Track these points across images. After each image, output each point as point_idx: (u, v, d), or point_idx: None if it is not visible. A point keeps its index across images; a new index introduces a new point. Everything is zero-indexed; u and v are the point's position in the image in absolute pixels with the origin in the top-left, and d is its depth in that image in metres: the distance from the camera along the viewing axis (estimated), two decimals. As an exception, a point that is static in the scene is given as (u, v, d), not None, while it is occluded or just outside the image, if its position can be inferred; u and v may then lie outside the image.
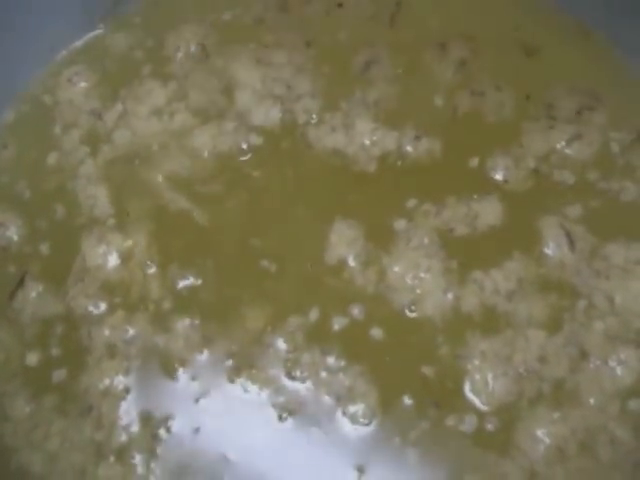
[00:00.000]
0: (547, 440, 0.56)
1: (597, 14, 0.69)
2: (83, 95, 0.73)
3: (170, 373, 0.61)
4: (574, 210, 0.63)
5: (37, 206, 0.69)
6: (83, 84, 0.73)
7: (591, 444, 0.56)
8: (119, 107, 0.72)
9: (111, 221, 0.66)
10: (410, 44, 0.71)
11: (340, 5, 0.74)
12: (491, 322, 0.60)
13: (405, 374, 0.59)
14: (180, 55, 0.73)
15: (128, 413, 0.60)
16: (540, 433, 0.57)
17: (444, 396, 0.58)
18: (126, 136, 0.70)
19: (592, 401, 0.57)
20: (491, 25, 0.71)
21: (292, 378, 0.60)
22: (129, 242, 0.65)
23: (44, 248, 0.67)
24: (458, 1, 0.73)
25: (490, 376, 0.58)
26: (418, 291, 0.62)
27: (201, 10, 0.75)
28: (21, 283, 0.65)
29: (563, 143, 0.66)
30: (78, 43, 0.76)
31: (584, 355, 0.59)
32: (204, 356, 0.61)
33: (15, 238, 0.67)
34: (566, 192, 0.64)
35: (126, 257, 0.65)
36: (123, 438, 0.59)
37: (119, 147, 0.70)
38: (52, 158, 0.70)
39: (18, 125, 0.73)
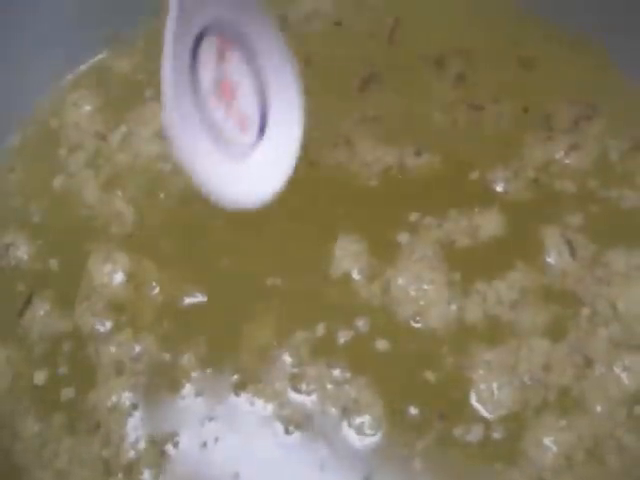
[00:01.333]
0: (554, 448, 0.56)
1: (594, 26, 0.69)
2: (88, 118, 0.74)
3: (177, 389, 0.61)
4: (575, 219, 0.64)
5: (45, 226, 0.70)
6: (88, 107, 0.75)
7: (598, 451, 0.56)
8: (123, 129, 0.73)
9: (117, 240, 0.67)
10: (408, 60, 0.72)
11: (338, 23, 0.75)
12: (495, 332, 0.60)
13: (410, 385, 0.59)
14: (182, 77, 0.75)
15: (136, 429, 0.60)
16: (547, 441, 0.56)
17: (450, 406, 0.58)
18: (130, 157, 0.72)
19: (598, 408, 0.57)
20: (488, 39, 0.72)
21: (298, 391, 0.60)
22: (135, 260, 0.66)
23: (52, 267, 0.68)
24: (455, 16, 0.74)
25: (495, 385, 0.58)
26: (422, 303, 0.62)
27: (202, 32, 0.76)
28: (29, 302, 0.65)
29: (562, 153, 0.66)
30: (83, 67, 0.77)
31: (589, 362, 0.59)
32: (210, 372, 0.62)
33: (25, 257, 0.68)
34: (566, 201, 0.65)
35: (132, 275, 0.66)
36: (131, 454, 0.60)
37: (124, 168, 0.71)
38: (58, 180, 0.72)
39: (24, 148, 0.74)
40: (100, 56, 0.78)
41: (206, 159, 0.53)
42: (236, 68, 0.55)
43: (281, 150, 0.57)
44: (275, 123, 0.57)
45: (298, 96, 0.58)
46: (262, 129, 0.56)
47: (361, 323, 0.62)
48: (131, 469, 0.59)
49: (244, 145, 0.55)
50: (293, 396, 0.60)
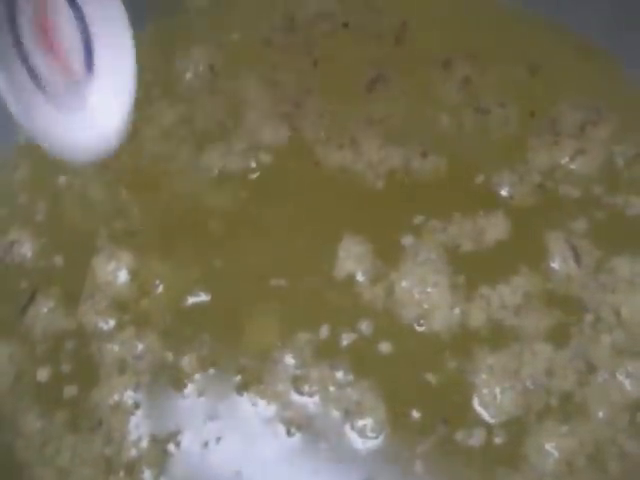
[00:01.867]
0: (556, 454, 0.56)
1: (600, 30, 0.69)
2: (94, 116, 0.74)
3: (179, 388, 0.61)
4: (579, 224, 0.64)
5: (49, 224, 0.70)
6: (93, 105, 0.75)
7: (600, 457, 0.56)
8: (129, 128, 0.73)
9: (121, 238, 0.67)
10: (415, 63, 0.72)
11: (346, 25, 0.75)
12: (498, 336, 0.60)
13: (413, 388, 0.59)
14: (189, 76, 0.75)
15: (138, 428, 0.60)
16: (549, 446, 0.57)
17: (452, 410, 0.58)
18: (136, 156, 0.71)
19: (600, 414, 0.57)
20: (495, 42, 0.72)
21: (300, 393, 0.60)
22: (139, 259, 0.66)
23: (56, 265, 0.68)
24: (462, 20, 0.74)
25: (498, 390, 0.58)
26: (425, 306, 0.62)
27: (209, 32, 0.76)
28: (32, 299, 0.66)
29: (567, 158, 0.66)
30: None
31: (592, 368, 0.59)
32: (213, 371, 0.62)
33: (28, 255, 0.69)
34: (571, 207, 0.65)
35: (136, 274, 0.66)
36: (133, 453, 0.60)
37: (129, 167, 0.71)
38: (63, 178, 0.71)
39: (29, 146, 0.74)
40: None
41: (40, 112, 0.51)
42: (54, 7, 0.52)
43: (113, 98, 0.55)
44: (104, 67, 0.54)
45: (127, 40, 0.56)
46: (90, 70, 0.54)
47: (364, 325, 0.62)
48: (133, 467, 0.59)
49: (75, 94, 0.53)
50: (295, 398, 0.60)
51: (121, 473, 0.59)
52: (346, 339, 0.61)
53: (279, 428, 0.59)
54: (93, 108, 0.54)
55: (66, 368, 0.63)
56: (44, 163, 0.73)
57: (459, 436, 0.57)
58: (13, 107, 0.50)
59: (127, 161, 0.71)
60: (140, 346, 0.63)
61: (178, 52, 0.76)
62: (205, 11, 0.79)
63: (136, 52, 0.76)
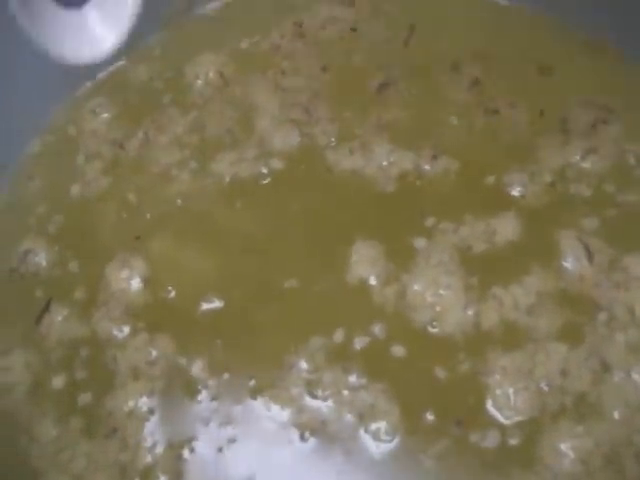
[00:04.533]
0: (571, 454, 0.56)
1: (610, 29, 0.69)
2: (106, 125, 0.75)
3: (193, 394, 0.61)
4: (591, 223, 0.63)
5: (63, 233, 0.70)
6: (106, 115, 0.76)
7: (616, 458, 0.56)
8: (141, 136, 0.74)
9: (134, 246, 0.68)
10: (424, 65, 0.72)
11: (354, 29, 0.76)
12: (512, 337, 0.60)
13: (427, 391, 0.59)
14: (199, 84, 0.75)
15: (152, 434, 0.61)
16: (564, 447, 0.56)
17: (466, 411, 0.58)
18: (148, 164, 0.72)
19: (616, 414, 0.57)
20: (503, 43, 0.72)
21: (314, 397, 0.60)
22: (151, 266, 0.67)
23: (70, 273, 0.68)
24: (470, 22, 0.74)
25: (511, 391, 0.58)
26: (438, 308, 0.62)
27: (219, 39, 0.77)
28: (47, 308, 0.66)
29: (578, 157, 0.66)
30: (101, 75, 0.78)
31: (606, 368, 0.58)
32: (226, 376, 0.62)
33: (43, 264, 0.69)
34: (583, 205, 0.64)
35: (149, 281, 0.66)
36: (148, 459, 0.60)
37: (141, 175, 0.72)
38: (76, 188, 0.72)
39: (43, 156, 0.75)
40: (118, 64, 0.78)
41: (40, 6, 0.50)
42: None
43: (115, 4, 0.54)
44: None
45: None
46: None
47: (377, 329, 0.62)
48: (148, 474, 0.59)
49: None
50: (309, 402, 0.60)
51: None
52: (359, 343, 0.61)
53: (293, 432, 0.59)
54: (94, 8, 0.54)
55: (81, 375, 0.63)
56: (58, 173, 0.74)
57: (473, 438, 0.57)
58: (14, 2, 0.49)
59: (139, 169, 0.72)
60: (154, 352, 0.63)
61: (188, 60, 0.76)
62: (215, 18, 0.80)
63: (149, 59, 0.78)
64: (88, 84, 0.78)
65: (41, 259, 0.69)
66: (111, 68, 0.78)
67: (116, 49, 0.54)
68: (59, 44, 0.51)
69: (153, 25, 0.77)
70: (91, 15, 0.54)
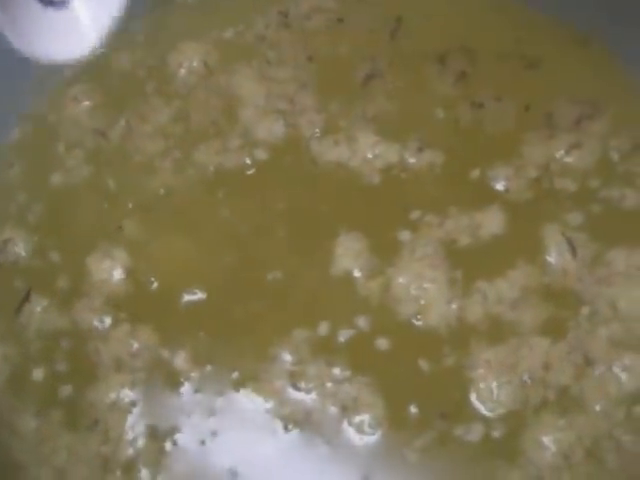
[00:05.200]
0: (553, 447, 0.56)
1: (597, 24, 0.69)
2: (87, 113, 0.74)
3: (175, 386, 0.61)
4: (575, 218, 0.64)
5: (43, 222, 0.69)
6: (87, 102, 0.74)
7: (597, 450, 0.56)
8: (123, 125, 0.73)
9: (116, 236, 0.67)
10: (410, 57, 0.72)
11: (340, 20, 0.75)
12: (495, 331, 0.60)
13: (411, 384, 0.59)
14: (183, 72, 0.74)
15: (134, 427, 0.60)
16: (546, 440, 0.56)
17: (450, 405, 0.58)
18: (130, 154, 0.71)
19: (597, 407, 0.57)
20: (490, 37, 0.72)
21: (298, 389, 0.60)
22: (133, 256, 0.66)
23: (50, 263, 0.67)
24: (457, 15, 0.74)
25: (495, 384, 0.58)
26: (422, 302, 0.62)
27: (203, 28, 0.76)
28: (27, 298, 0.65)
29: (563, 152, 0.66)
30: (82, 62, 0.77)
31: (589, 362, 0.59)
32: (209, 368, 0.61)
33: (23, 253, 0.68)
34: (567, 200, 0.65)
35: (131, 271, 0.65)
36: (130, 452, 0.59)
37: (123, 165, 0.71)
38: (56, 176, 0.71)
39: (23, 144, 0.74)
40: (99, 51, 0.77)
41: (23, 7, 0.50)
42: None
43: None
44: None
45: None
46: None
47: (361, 321, 0.61)
48: (130, 466, 0.59)
49: None
50: (293, 394, 0.60)
51: (118, 472, 0.59)
52: (343, 335, 0.61)
53: (276, 424, 0.59)
54: (78, 6, 0.53)
55: (61, 367, 0.63)
56: (38, 161, 0.73)
57: (457, 431, 0.57)
58: None
59: (121, 159, 0.71)
60: (136, 344, 0.63)
61: (172, 48, 0.75)
62: (199, 7, 0.79)
63: (131, 47, 0.76)
64: (69, 71, 0.76)
65: (20, 249, 0.68)
66: (93, 55, 0.77)
67: (99, 44, 0.53)
68: (43, 43, 0.50)
69: (136, 12, 0.76)
70: (74, 13, 0.52)
